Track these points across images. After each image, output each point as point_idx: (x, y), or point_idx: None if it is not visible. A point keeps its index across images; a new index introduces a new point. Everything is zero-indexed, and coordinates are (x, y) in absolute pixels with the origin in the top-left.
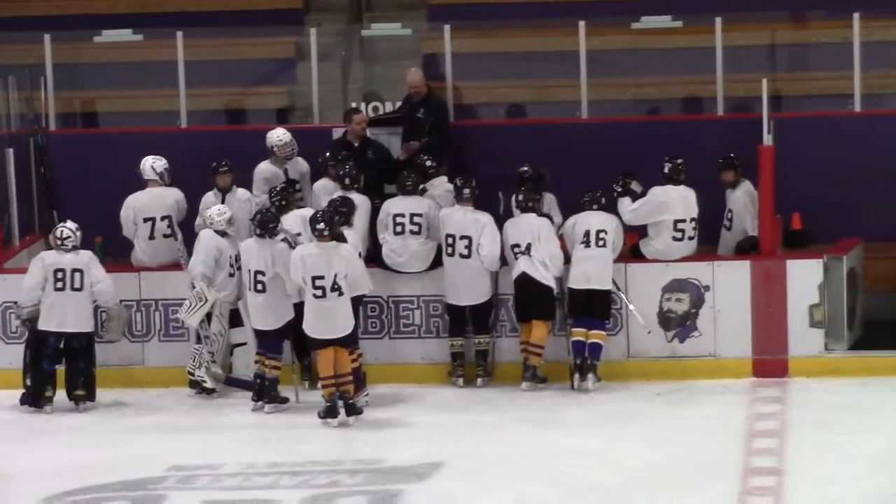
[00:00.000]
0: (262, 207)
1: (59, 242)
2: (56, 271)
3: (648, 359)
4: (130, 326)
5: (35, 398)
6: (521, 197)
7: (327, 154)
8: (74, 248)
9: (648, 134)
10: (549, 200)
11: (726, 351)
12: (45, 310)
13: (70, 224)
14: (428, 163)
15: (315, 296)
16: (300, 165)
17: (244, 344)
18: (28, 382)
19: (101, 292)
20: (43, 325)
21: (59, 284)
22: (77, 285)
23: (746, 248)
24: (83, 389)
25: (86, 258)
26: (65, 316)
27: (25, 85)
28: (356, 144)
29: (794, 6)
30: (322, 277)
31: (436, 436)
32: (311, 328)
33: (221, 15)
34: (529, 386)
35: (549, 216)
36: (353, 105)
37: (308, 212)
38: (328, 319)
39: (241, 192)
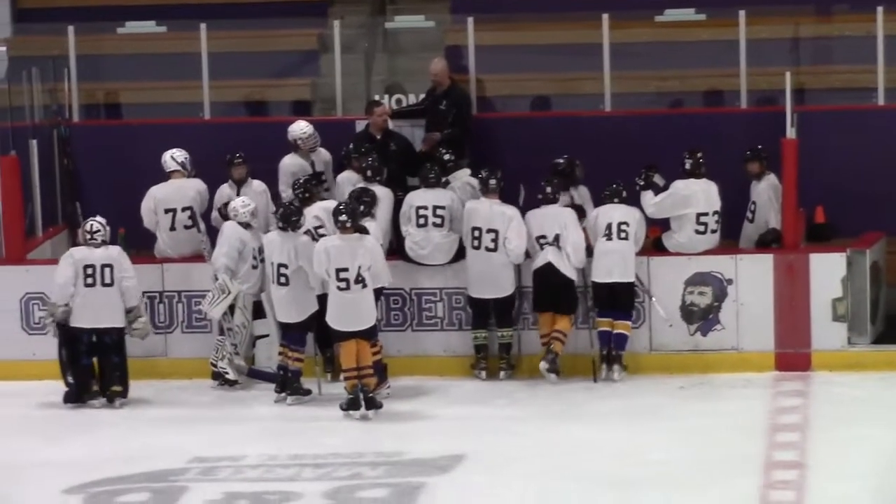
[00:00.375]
0: (285, 200)
1: (88, 237)
2: (86, 267)
3: (671, 352)
4: (153, 318)
5: (79, 394)
6: (548, 189)
7: (350, 146)
8: (104, 242)
9: (671, 127)
10: (584, 193)
11: (749, 344)
12: (77, 307)
13: (99, 218)
14: (447, 156)
15: (339, 288)
16: (323, 156)
17: (267, 336)
18: (70, 380)
19: (126, 289)
20: (76, 322)
21: (90, 280)
22: (108, 281)
23: (768, 241)
24: (119, 385)
25: (115, 253)
26: (97, 312)
27: (49, 76)
28: (378, 137)
29: None
30: (346, 269)
31: (458, 428)
32: (335, 320)
33: (245, 6)
34: (549, 368)
35: (582, 208)
36: (376, 97)
37: (332, 203)
38: (352, 311)
39: (256, 184)
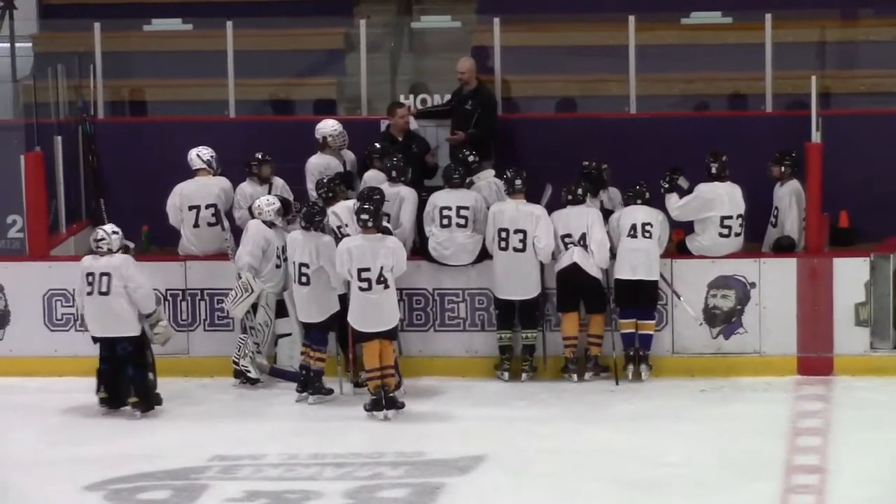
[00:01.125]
0: (312, 199)
1: (94, 245)
2: (87, 275)
3: (693, 355)
4: (175, 315)
5: (109, 401)
6: (578, 190)
7: (376, 145)
8: (109, 251)
9: (696, 130)
10: (615, 196)
11: (771, 348)
12: (86, 315)
13: (107, 227)
14: (471, 157)
15: (361, 288)
16: (349, 156)
17: (289, 335)
18: (100, 389)
19: (137, 299)
20: (90, 331)
21: (89, 289)
22: (104, 289)
23: (783, 247)
24: (136, 396)
25: (117, 261)
26: (95, 321)
27: (74, 73)
28: (400, 139)
29: (844, 4)
30: (368, 269)
31: (478, 429)
32: (358, 321)
33: (271, 5)
34: (592, 377)
35: (612, 211)
36: (401, 98)
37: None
38: (374, 312)
39: (277, 182)
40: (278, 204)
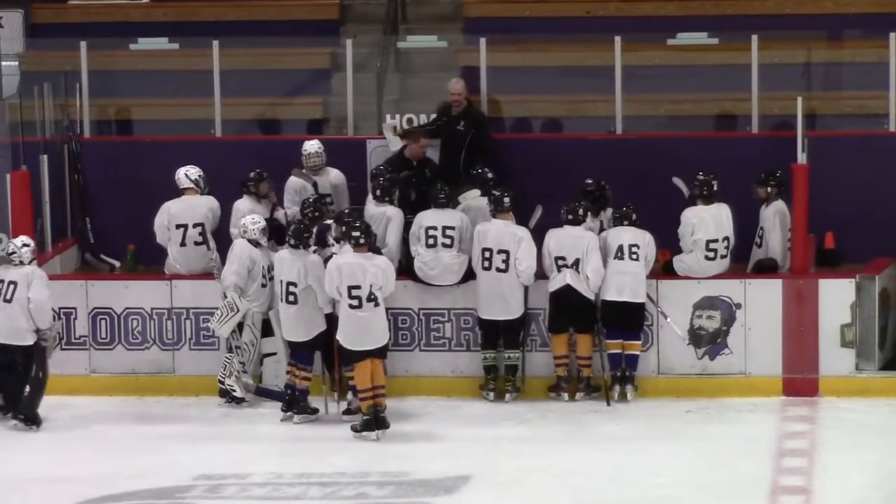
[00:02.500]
0: (293, 219)
1: (8, 257)
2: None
3: (678, 375)
4: (161, 334)
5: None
6: (580, 211)
7: (379, 166)
8: (21, 263)
9: (683, 150)
10: (610, 216)
11: (757, 369)
12: None
13: (17, 239)
14: (489, 174)
15: (351, 306)
16: (332, 177)
17: (274, 354)
18: None
19: (33, 311)
20: None
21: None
22: (8, 297)
23: (765, 268)
24: (23, 405)
25: (26, 271)
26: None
27: (61, 92)
28: (415, 163)
29: (830, 25)
30: (358, 287)
31: (464, 449)
32: (348, 340)
33: (257, 24)
34: (583, 398)
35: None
36: (387, 117)
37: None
38: (365, 330)
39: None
40: (263, 223)
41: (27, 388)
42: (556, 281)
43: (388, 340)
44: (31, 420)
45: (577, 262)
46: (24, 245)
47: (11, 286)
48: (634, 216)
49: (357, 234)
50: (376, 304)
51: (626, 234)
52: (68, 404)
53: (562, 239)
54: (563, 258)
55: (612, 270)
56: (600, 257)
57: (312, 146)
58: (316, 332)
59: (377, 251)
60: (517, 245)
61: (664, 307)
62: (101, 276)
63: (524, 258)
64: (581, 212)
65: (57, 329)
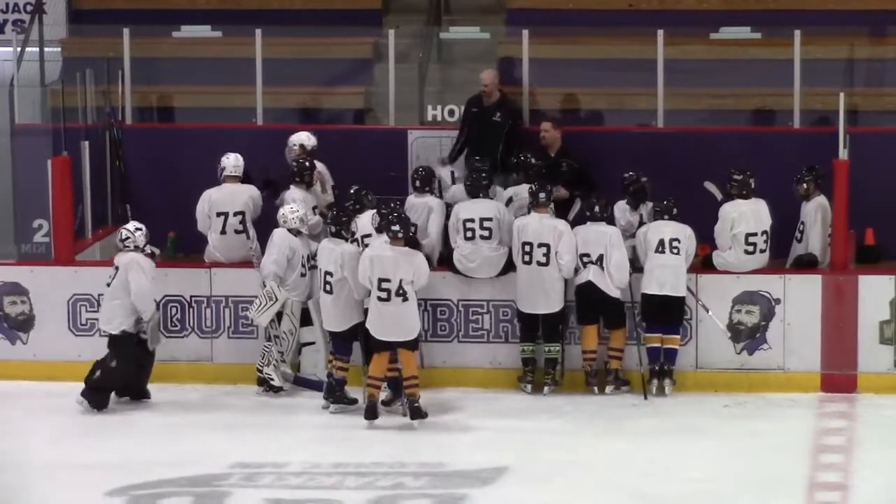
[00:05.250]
0: (336, 208)
1: (121, 243)
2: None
3: (717, 370)
4: (200, 322)
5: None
6: (597, 207)
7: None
8: (136, 248)
9: (724, 145)
10: (651, 209)
11: (795, 364)
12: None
13: (129, 224)
14: (533, 160)
15: (380, 298)
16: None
17: (313, 343)
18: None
19: (133, 299)
20: None
21: (108, 281)
22: (109, 282)
23: (805, 264)
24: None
25: (125, 259)
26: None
27: (103, 78)
28: (552, 154)
29: (873, 22)
30: (388, 280)
31: (501, 441)
32: (375, 329)
33: (300, 13)
34: (613, 391)
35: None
36: (429, 108)
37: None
38: (391, 322)
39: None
40: (302, 212)
41: (97, 373)
42: (580, 277)
43: (418, 333)
44: (97, 405)
45: (600, 259)
46: (137, 229)
47: (115, 271)
48: (676, 210)
49: (396, 227)
50: (405, 299)
51: (668, 229)
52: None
53: (584, 235)
54: (587, 254)
55: (654, 264)
56: (624, 253)
57: (296, 137)
58: (352, 322)
59: (415, 244)
60: (558, 238)
61: (704, 301)
62: None
63: (565, 251)
64: (597, 209)
65: (156, 319)
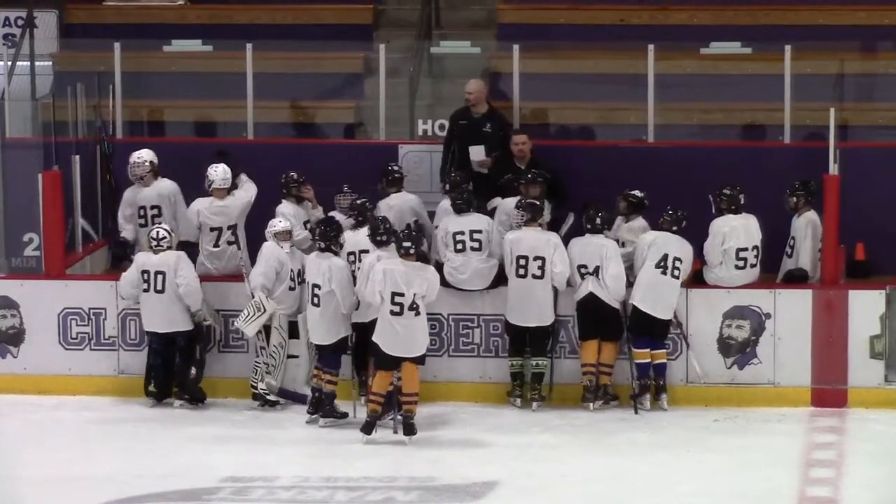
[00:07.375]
0: (324, 220)
1: (153, 243)
2: (143, 272)
3: (707, 385)
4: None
5: (156, 394)
6: (597, 220)
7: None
8: (169, 248)
9: (714, 159)
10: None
11: (785, 379)
12: (141, 309)
13: (160, 227)
14: (548, 175)
15: (392, 312)
16: (162, 188)
17: (296, 357)
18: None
19: (184, 294)
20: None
21: (146, 286)
22: (159, 287)
23: (796, 278)
24: (178, 387)
25: (170, 259)
26: (152, 316)
27: (94, 92)
28: (522, 167)
29: (863, 37)
30: (402, 295)
31: (491, 455)
32: (385, 343)
33: (291, 28)
34: (601, 406)
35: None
36: (419, 122)
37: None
38: (403, 337)
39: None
40: (290, 225)
41: (192, 370)
42: (581, 290)
43: (426, 348)
44: (197, 398)
45: (597, 270)
46: (170, 231)
47: (160, 276)
48: (685, 223)
49: (408, 244)
50: (417, 314)
51: (674, 246)
52: (96, 405)
53: (581, 247)
54: (584, 266)
55: (651, 280)
56: (621, 265)
57: (140, 155)
58: (339, 335)
59: (425, 259)
60: (553, 250)
61: (693, 317)
62: None
63: (559, 262)
64: (598, 221)
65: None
